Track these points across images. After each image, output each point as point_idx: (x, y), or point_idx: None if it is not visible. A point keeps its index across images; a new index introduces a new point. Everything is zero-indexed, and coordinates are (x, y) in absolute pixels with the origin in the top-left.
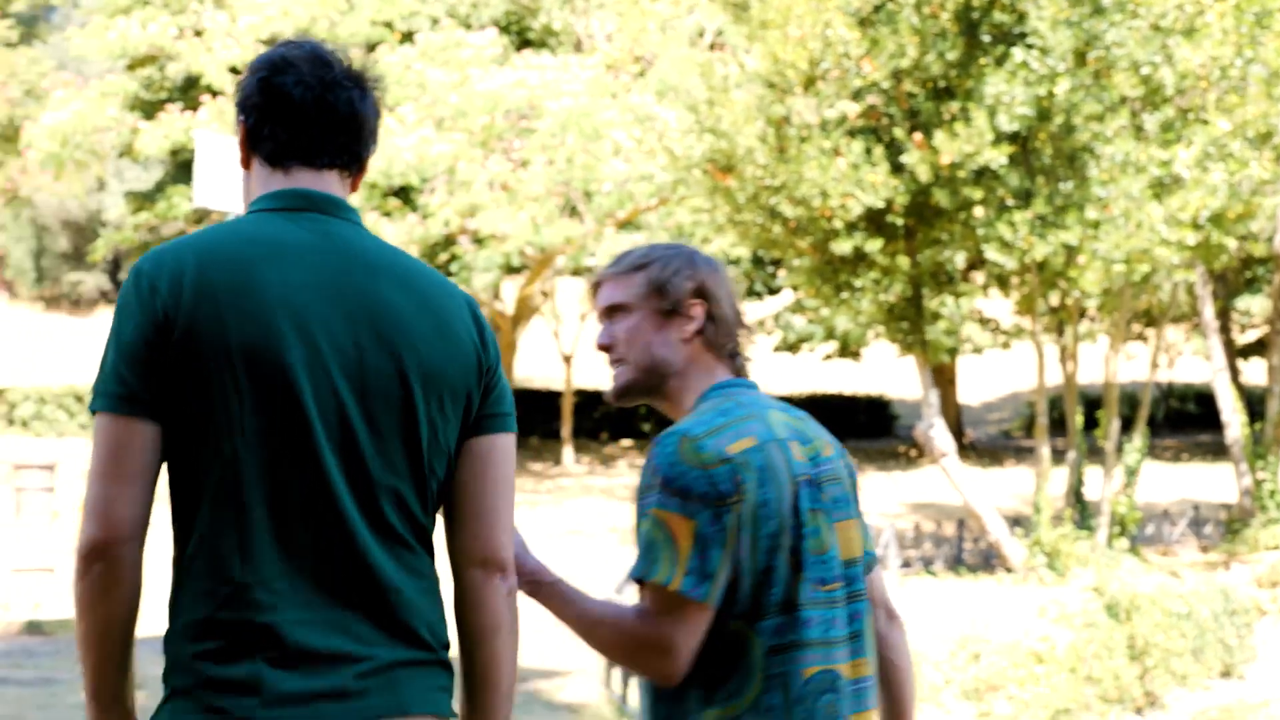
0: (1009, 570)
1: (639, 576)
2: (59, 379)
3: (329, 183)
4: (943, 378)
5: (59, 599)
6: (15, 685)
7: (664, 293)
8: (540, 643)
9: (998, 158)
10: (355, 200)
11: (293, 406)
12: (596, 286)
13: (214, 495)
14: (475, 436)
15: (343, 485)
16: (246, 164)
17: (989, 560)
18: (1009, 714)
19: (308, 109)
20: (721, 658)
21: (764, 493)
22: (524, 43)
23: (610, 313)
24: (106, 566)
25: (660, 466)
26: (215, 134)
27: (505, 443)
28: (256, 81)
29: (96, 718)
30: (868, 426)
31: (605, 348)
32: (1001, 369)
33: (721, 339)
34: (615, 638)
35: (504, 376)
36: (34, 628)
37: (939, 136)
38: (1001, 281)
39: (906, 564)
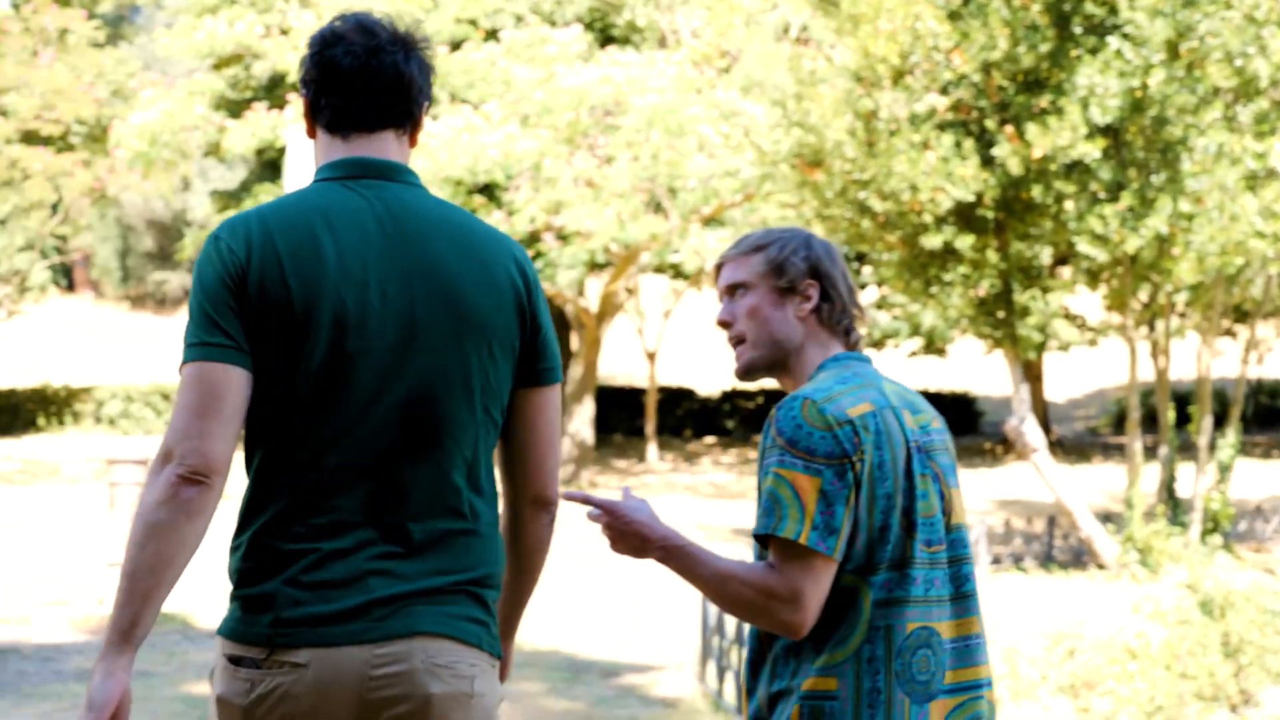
0: (1101, 567)
1: (767, 531)
2: (145, 377)
3: (385, 143)
4: (1030, 374)
5: None
6: None
7: (781, 272)
8: (633, 638)
9: (1091, 151)
10: (439, 197)
11: (349, 360)
12: (719, 268)
13: (279, 433)
14: (526, 389)
15: (398, 429)
16: (311, 133)
17: (1079, 557)
18: (1108, 710)
19: (355, 76)
20: (833, 608)
21: (880, 455)
22: (607, 39)
23: (731, 291)
24: (199, 494)
25: (785, 429)
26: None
27: (553, 394)
28: (311, 57)
29: (113, 654)
30: (953, 423)
31: (725, 324)
32: (1087, 366)
33: (836, 316)
34: (746, 592)
35: (549, 326)
36: None
37: (1031, 129)
38: (1092, 276)
39: (997, 560)
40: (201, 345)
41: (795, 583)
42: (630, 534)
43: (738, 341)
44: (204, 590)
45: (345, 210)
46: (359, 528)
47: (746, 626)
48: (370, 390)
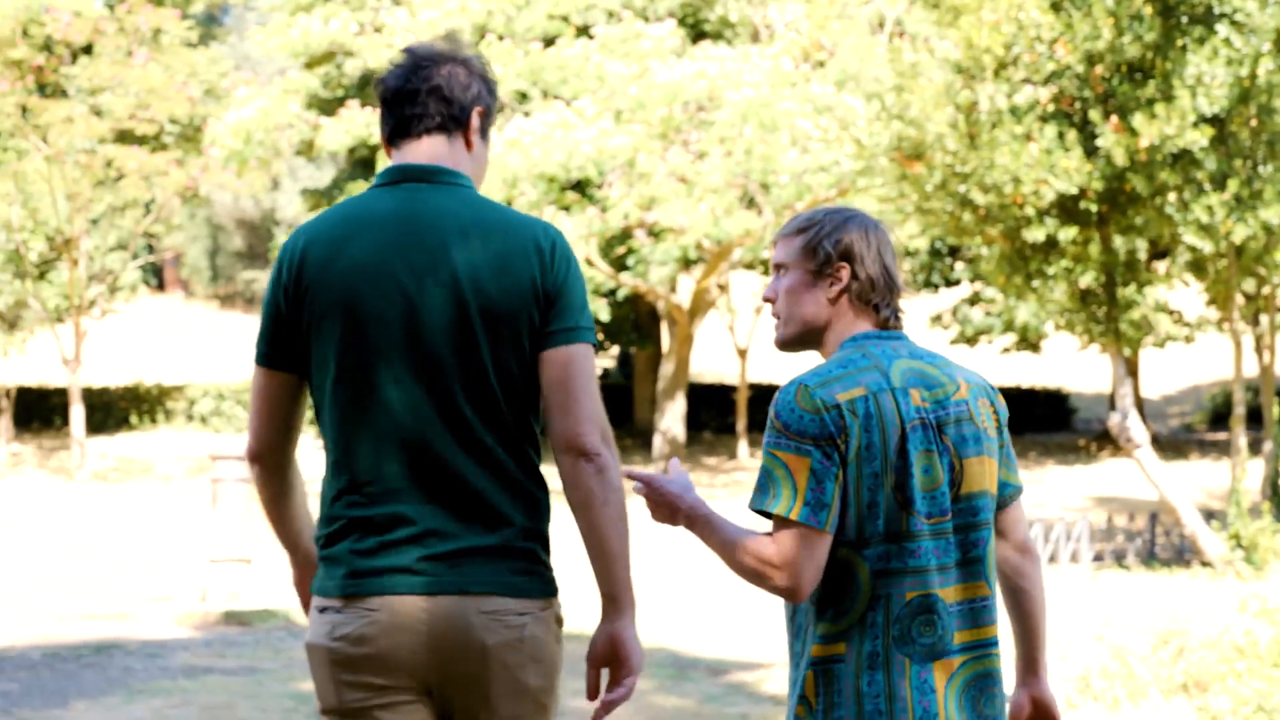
0: (1205, 564)
1: (760, 509)
2: (236, 375)
3: (434, 146)
4: (1127, 370)
5: (257, 589)
6: (221, 674)
7: (814, 255)
8: (742, 636)
9: (1199, 140)
10: (532, 194)
11: (372, 350)
12: (774, 244)
13: (330, 420)
14: (544, 350)
15: (425, 406)
16: (388, 153)
17: (1182, 554)
18: (1227, 709)
19: (399, 91)
20: (835, 579)
21: (869, 437)
22: (699, 35)
23: (777, 269)
24: (259, 470)
25: (780, 412)
26: None
27: (574, 352)
28: (374, 86)
29: (288, 557)
30: (1046, 420)
31: (769, 299)
32: (1181, 363)
33: (866, 295)
34: (749, 560)
35: (574, 295)
36: (233, 618)
37: (1138, 118)
38: (1197, 268)
39: (1099, 558)
40: (258, 353)
41: (789, 554)
42: (664, 503)
43: (776, 317)
44: None
45: (375, 213)
46: (408, 495)
47: None
48: (392, 374)
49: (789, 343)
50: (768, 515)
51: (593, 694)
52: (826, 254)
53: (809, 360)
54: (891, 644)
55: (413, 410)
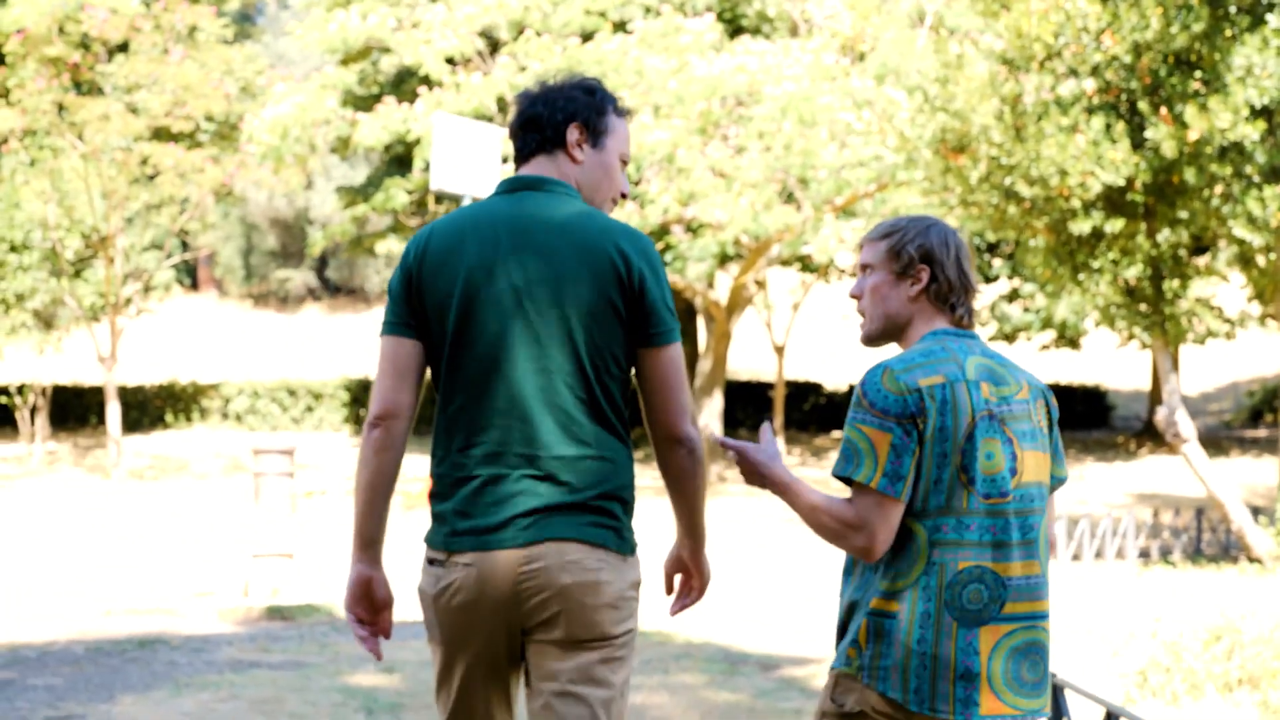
0: (1253, 560)
1: (844, 475)
2: (271, 374)
3: (538, 164)
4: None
5: (299, 584)
6: (267, 669)
7: (898, 257)
8: (792, 633)
9: (1250, 133)
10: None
11: (476, 329)
12: (860, 247)
13: (444, 390)
14: (642, 349)
15: (523, 380)
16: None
17: (1228, 550)
18: None
19: (512, 131)
20: (898, 546)
21: (943, 420)
22: (736, 30)
23: (863, 269)
24: (382, 433)
25: (868, 391)
26: (453, 118)
27: (665, 353)
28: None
29: (354, 552)
30: (1084, 417)
31: (855, 296)
32: (1220, 360)
33: (944, 296)
34: (829, 521)
35: (657, 297)
36: (276, 613)
37: (1189, 111)
38: (1244, 261)
39: (1144, 554)
40: (386, 323)
41: (867, 518)
42: (753, 470)
43: (862, 314)
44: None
45: (491, 214)
46: (502, 459)
47: None
48: (495, 351)
49: (873, 338)
50: (849, 482)
51: (669, 590)
52: (910, 257)
53: (845, 359)
54: (943, 607)
55: (511, 383)
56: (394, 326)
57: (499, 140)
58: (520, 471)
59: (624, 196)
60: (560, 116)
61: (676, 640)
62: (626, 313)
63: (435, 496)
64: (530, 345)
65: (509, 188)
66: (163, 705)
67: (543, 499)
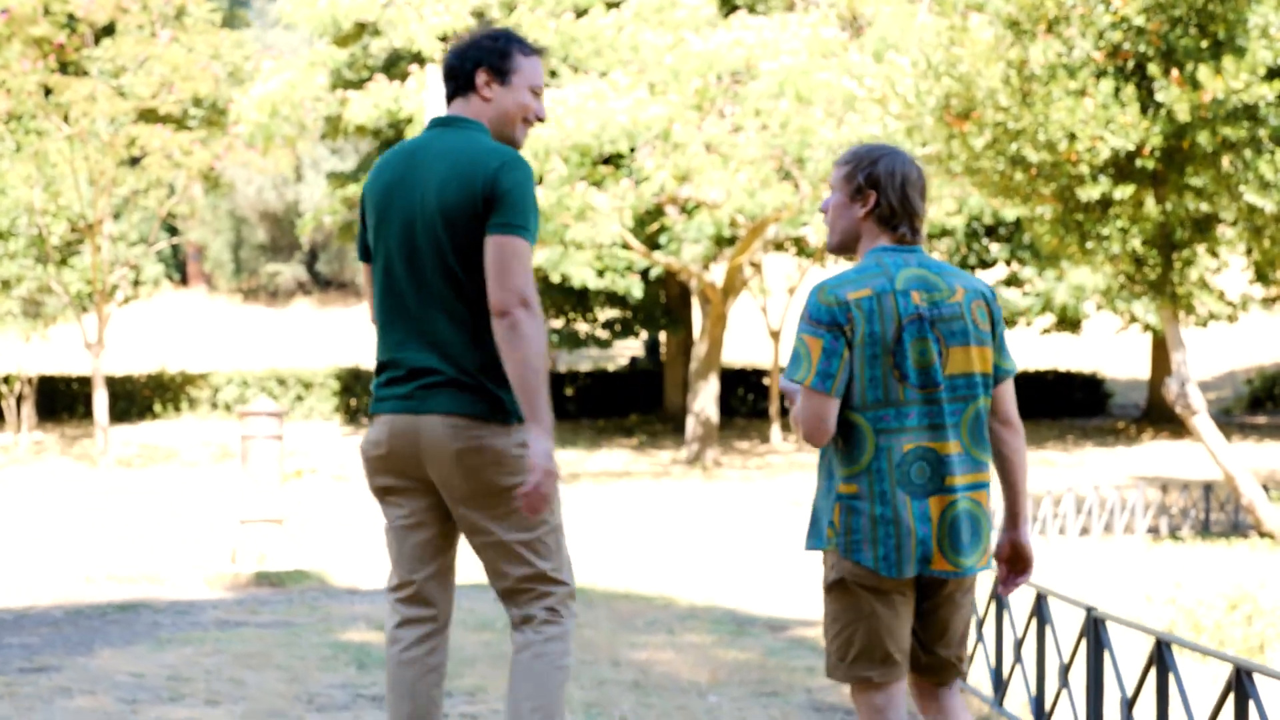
0: (1264, 534)
1: (790, 378)
2: (260, 364)
3: (457, 105)
4: (1165, 353)
5: (288, 551)
6: (255, 627)
7: (850, 182)
8: (800, 598)
9: (1266, 94)
10: (563, 169)
11: (382, 242)
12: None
13: (375, 296)
14: (485, 237)
15: (414, 286)
16: None
17: (1237, 527)
18: None
19: (443, 79)
20: (848, 436)
21: (870, 326)
22: (732, 6)
23: (831, 189)
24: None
25: (809, 305)
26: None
27: (501, 241)
28: None
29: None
30: (1082, 404)
31: (823, 211)
32: (1218, 347)
33: (887, 218)
34: (792, 424)
35: (510, 199)
36: (265, 579)
37: (1203, 71)
38: (1255, 232)
39: (1153, 530)
40: (359, 252)
41: (806, 411)
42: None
43: (828, 226)
44: (340, 554)
45: (413, 146)
46: (408, 347)
47: None
48: (395, 264)
49: (834, 249)
50: (798, 384)
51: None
52: (859, 183)
53: None
54: (896, 485)
55: (407, 289)
56: (360, 254)
57: None
58: (420, 355)
59: (539, 119)
60: (469, 65)
61: (680, 603)
62: (484, 211)
63: (375, 375)
64: (414, 254)
65: (430, 125)
66: (143, 659)
67: (436, 376)
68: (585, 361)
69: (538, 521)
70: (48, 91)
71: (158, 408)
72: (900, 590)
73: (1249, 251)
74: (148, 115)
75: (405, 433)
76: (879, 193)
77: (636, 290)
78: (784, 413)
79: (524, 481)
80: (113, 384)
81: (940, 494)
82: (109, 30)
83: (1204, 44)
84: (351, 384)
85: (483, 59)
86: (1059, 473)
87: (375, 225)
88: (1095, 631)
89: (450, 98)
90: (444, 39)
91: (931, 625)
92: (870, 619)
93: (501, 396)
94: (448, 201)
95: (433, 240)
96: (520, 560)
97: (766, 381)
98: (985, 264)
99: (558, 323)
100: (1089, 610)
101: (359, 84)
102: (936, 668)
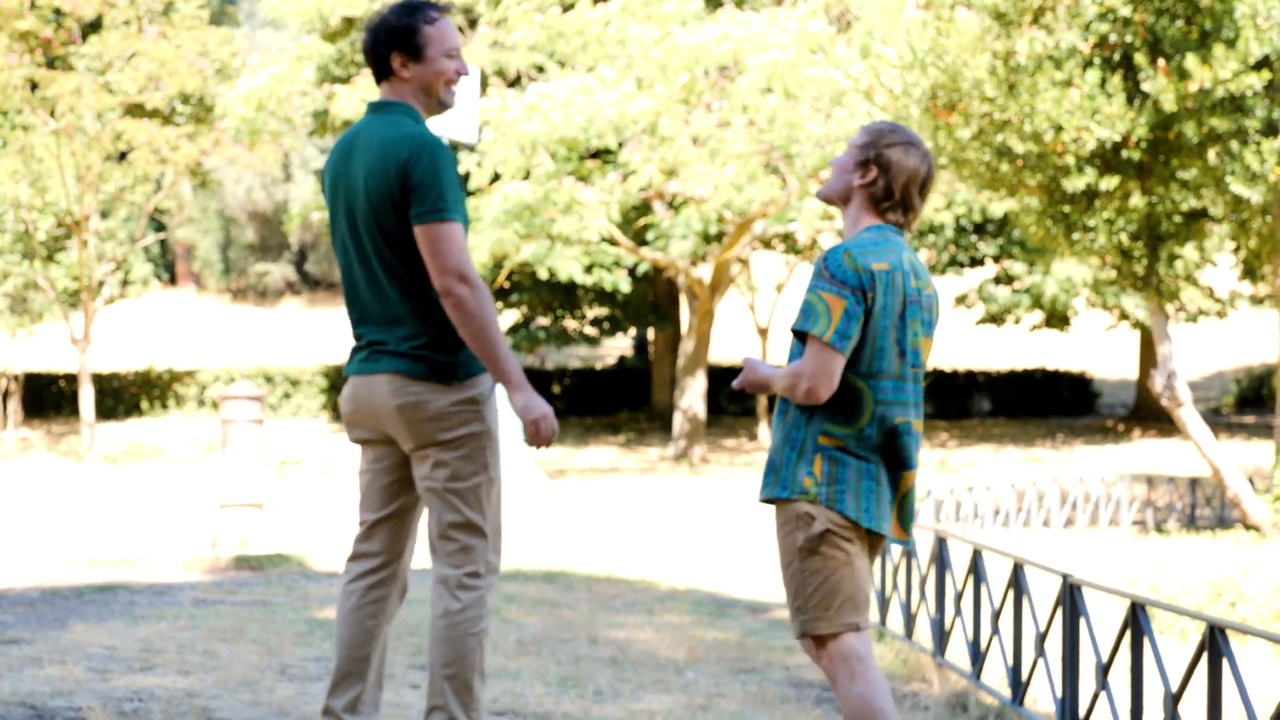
0: (1249, 527)
1: (803, 329)
2: (247, 362)
3: (384, 89)
4: (1153, 351)
5: (269, 535)
6: (232, 605)
7: (863, 151)
8: (774, 581)
9: (1254, 84)
10: (550, 164)
11: (341, 232)
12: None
13: (341, 274)
14: (414, 227)
15: (357, 267)
16: None
17: (1223, 521)
18: None
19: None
20: (847, 399)
21: (885, 299)
22: (719, 2)
23: (848, 146)
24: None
25: (830, 265)
26: None
27: (425, 229)
28: None
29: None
30: (1070, 404)
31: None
32: (1206, 347)
33: (877, 199)
34: (788, 379)
35: (429, 185)
36: (244, 562)
37: (1190, 60)
38: (1241, 226)
39: (1139, 523)
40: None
41: (817, 365)
42: (755, 383)
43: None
44: (318, 540)
45: (351, 135)
46: (365, 324)
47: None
48: (348, 248)
49: (824, 197)
50: (805, 336)
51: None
52: (869, 157)
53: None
54: (884, 450)
55: (360, 271)
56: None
57: (476, 83)
58: (369, 329)
59: (463, 75)
60: (383, 49)
61: (661, 586)
62: (403, 201)
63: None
64: (357, 238)
65: (367, 110)
66: (116, 633)
67: (385, 345)
68: (573, 359)
69: (472, 471)
70: (34, 86)
71: (144, 405)
72: (863, 545)
73: (1237, 249)
74: (134, 110)
75: (363, 392)
76: (881, 173)
77: (624, 285)
78: (770, 408)
79: (461, 436)
80: (100, 381)
81: (911, 470)
82: (96, 25)
83: (1192, 34)
84: (339, 382)
85: (394, 43)
86: (1046, 469)
87: (330, 213)
88: (1071, 598)
89: (377, 80)
90: None
91: None
92: (849, 567)
93: (441, 360)
94: (372, 196)
95: (369, 229)
96: (450, 507)
97: None
98: (975, 261)
99: (545, 320)
100: (1065, 577)
101: (346, 79)
102: None
